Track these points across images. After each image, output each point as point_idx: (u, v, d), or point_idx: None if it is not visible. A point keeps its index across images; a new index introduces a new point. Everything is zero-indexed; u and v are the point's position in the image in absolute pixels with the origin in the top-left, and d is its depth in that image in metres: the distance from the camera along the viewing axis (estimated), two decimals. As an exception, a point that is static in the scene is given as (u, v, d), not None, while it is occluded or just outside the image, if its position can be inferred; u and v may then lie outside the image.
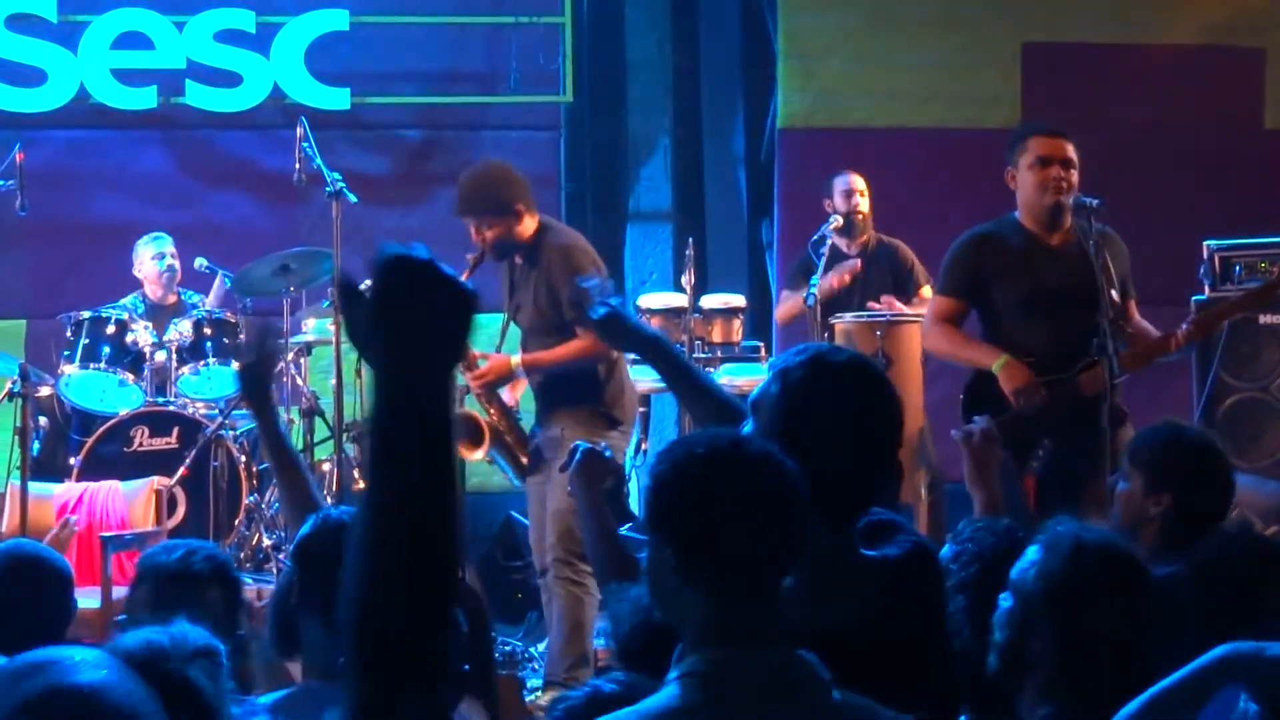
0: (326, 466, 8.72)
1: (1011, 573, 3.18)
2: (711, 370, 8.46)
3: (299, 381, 8.89)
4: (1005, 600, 3.17)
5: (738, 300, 9.15)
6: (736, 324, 9.04)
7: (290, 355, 8.80)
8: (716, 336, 8.91)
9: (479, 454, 7.07)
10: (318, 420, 8.97)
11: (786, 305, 8.90)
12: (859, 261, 8.61)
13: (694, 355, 8.56)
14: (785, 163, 10.47)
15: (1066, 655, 3.06)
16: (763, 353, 8.96)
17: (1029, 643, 3.10)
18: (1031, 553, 3.17)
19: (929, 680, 3.10)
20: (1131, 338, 6.49)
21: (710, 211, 10.84)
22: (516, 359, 7.05)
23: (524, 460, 7.12)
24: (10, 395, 8.08)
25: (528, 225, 7.02)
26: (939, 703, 3.11)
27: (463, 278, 2.06)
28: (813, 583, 2.78)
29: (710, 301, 9.03)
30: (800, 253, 8.91)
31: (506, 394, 7.23)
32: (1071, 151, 6.42)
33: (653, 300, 9.14)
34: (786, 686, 2.56)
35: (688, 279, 8.80)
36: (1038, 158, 6.40)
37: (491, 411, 7.12)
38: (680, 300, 8.90)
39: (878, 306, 8.35)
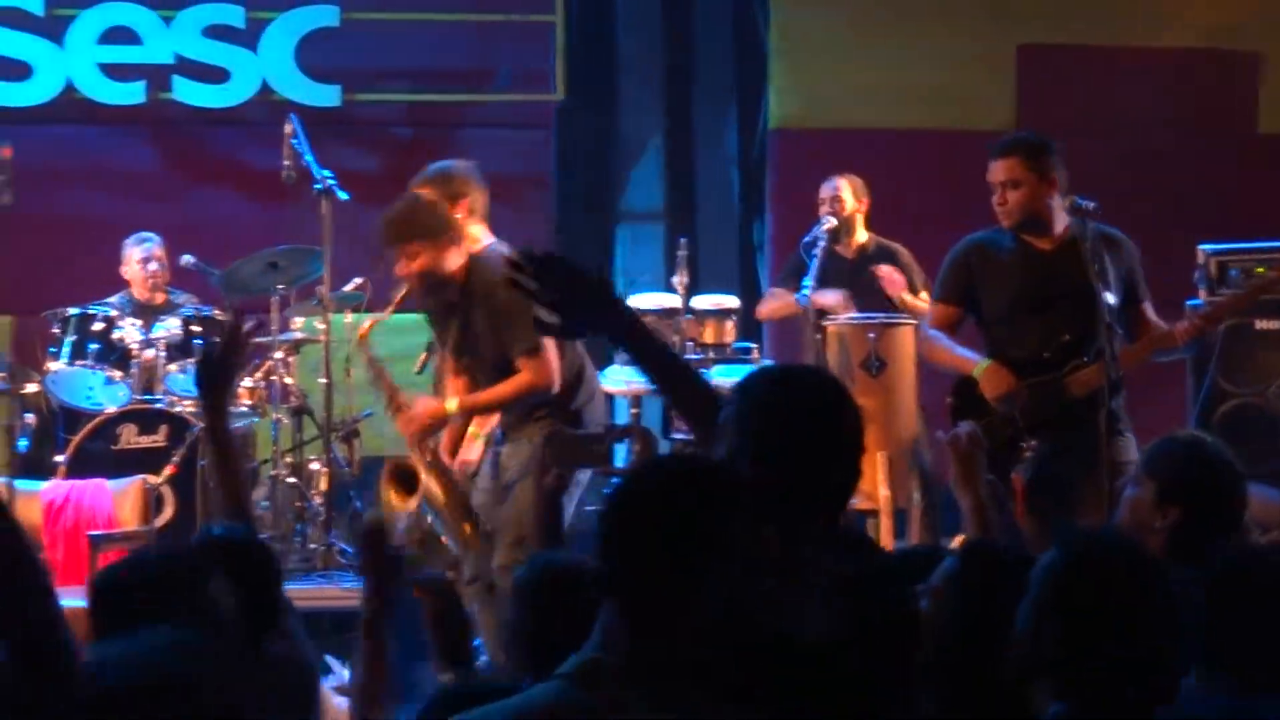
0: (315, 465, 8.67)
1: (1031, 572, 3.18)
2: (704, 371, 8.40)
3: (287, 380, 8.83)
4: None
5: (731, 301, 9.11)
6: (729, 325, 9.00)
7: (280, 353, 8.73)
8: (709, 338, 8.86)
9: (410, 504, 6.62)
10: (306, 419, 8.90)
11: (773, 303, 8.77)
12: (841, 296, 8.44)
13: (686, 356, 8.51)
14: (777, 163, 10.43)
15: (1076, 654, 3.04)
16: (755, 354, 8.92)
17: (1041, 642, 3.09)
18: (1049, 553, 3.17)
19: (894, 694, 3.10)
20: (1139, 336, 6.45)
21: (702, 211, 10.80)
22: (453, 403, 6.61)
23: (467, 531, 6.64)
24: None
25: (455, 259, 6.64)
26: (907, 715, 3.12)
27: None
28: (783, 594, 2.82)
29: (702, 302, 8.99)
30: (793, 253, 8.86)
31: (470, 447, 6.83)
32: (1006, 171, 6.35)
33: (644, 301, 9.09)
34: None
35: (680, 279, 8.76)
36: (989, 181, 6.43)
37: (431, 473, 6.65)
38: (672, 301, 8.86)
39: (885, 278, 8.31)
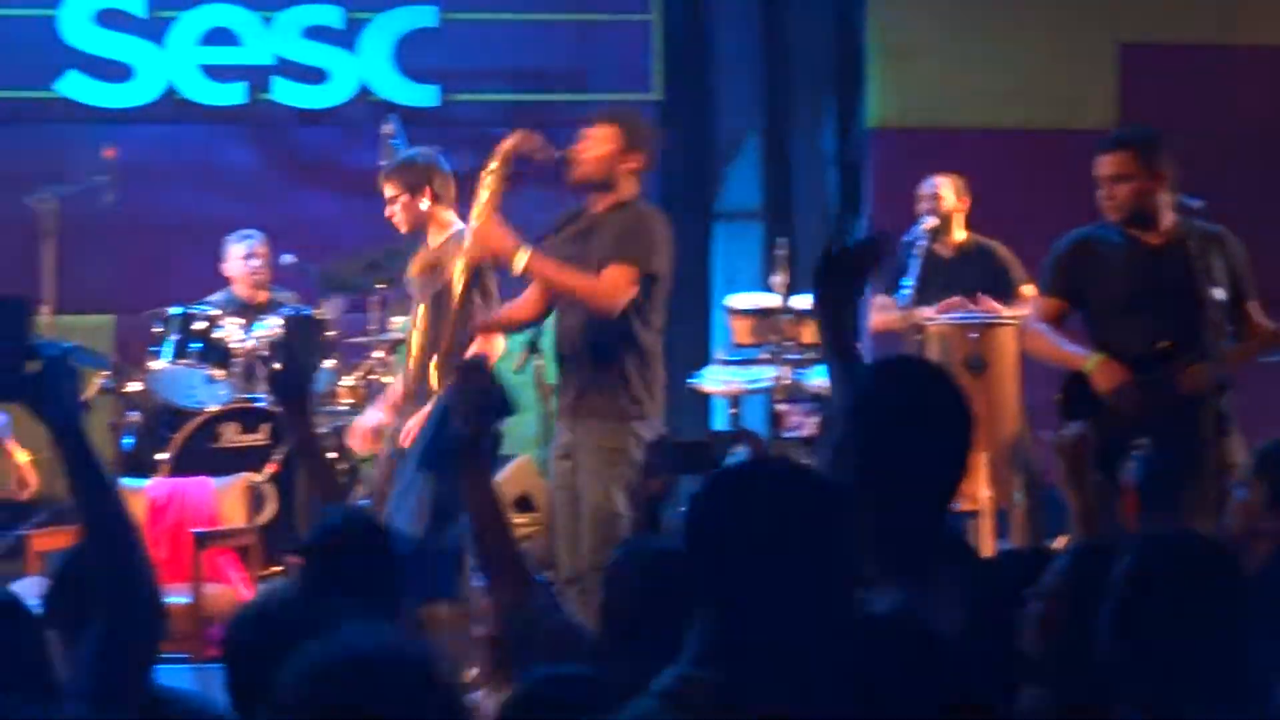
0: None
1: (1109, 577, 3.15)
2: (803, 371, 8.38)
3: (385, 379, 8.85)
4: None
5: (831, 301, 9.04)
6: (828, 325, 8.93)
7: (379, 353, 8.77)
8: (808, 338, 8.81)
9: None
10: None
11: (881, 317, 8.68)
12: (957, 301, 8.38)
13: (784, 357, 8.48)
14: (876, 163, 10.39)
15: (1146, 653, 3.00)
16: (854, 354, 8.86)
17: (1117, 641, 3.05)
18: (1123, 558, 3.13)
19: (1002, 696, 3.07)
20: (1247, 335, 6.39)
21: (799, 211, 10.76)
22: (523, 257, 6.34)
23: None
24: (102, 391, 8.10)
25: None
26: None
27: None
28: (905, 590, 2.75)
29: (801, 302, 8.94)
30: (892, 254, 8.81)
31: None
32: (1115, 165, 6.32)
33: (741, 300, 9.06)
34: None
35: (778, 279, 8.73)
36: (1094, 177, 6.39)
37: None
38: (770, 301, 8.83)
39: (974, 308, 8.24)
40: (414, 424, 6.68)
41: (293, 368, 4.54)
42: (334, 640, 2.06)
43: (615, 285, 6.34)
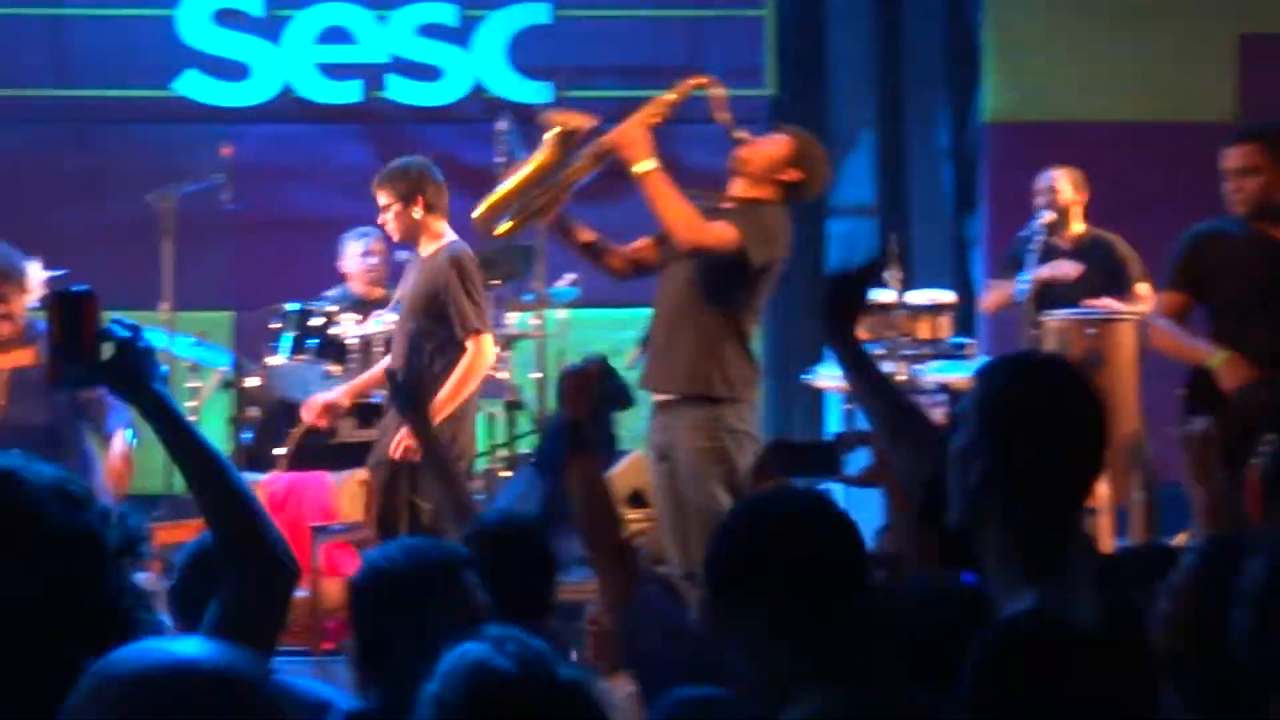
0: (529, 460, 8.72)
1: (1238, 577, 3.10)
2: (919, 367, 8.33)
3: (501, 375, 8.88)
4: None
5: (946, 296, 8.98)
6: (944, 320, 8.87)
7: (497, 348, 8.79)
8: (924, 333, 8.74)
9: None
10: (519, 414, 8.96)
11: (994, 294, 8.75)
12: (1081, 267, 8.37)
13: (901, 352, 8.43)
14: (991, 157, 10.32)
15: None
16: (971, 349, 8.80)
17: (1254, 644, 3.00)
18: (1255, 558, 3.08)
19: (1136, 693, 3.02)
20: None
21: (913, 206, 10.70)
22: (655, 164, 6.27)
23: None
24: (222, 386, 8.16)
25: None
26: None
27: None
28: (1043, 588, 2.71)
29: (917, 297, 8.88)
30: (1008, 247, 8.75)
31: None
32: (1243, 157, 6.27)
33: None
34: None
35: (894, 274, 8.68)
36: (1221, 169, 6.33)
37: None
38: (886, 296, 8.78)
39: (1094, 304, 8.16)
40: (404, 435, 6.73)
41: (413, 375, 4.58)
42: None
43: (711, 229, 6.28)
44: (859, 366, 3.64)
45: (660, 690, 4.02)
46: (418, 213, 7.13)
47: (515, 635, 2.26)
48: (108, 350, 2.61)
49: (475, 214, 6.54)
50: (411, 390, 4.64)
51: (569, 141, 6.45)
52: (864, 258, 10.48)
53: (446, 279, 7.01)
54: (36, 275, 7.11)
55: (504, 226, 6.51)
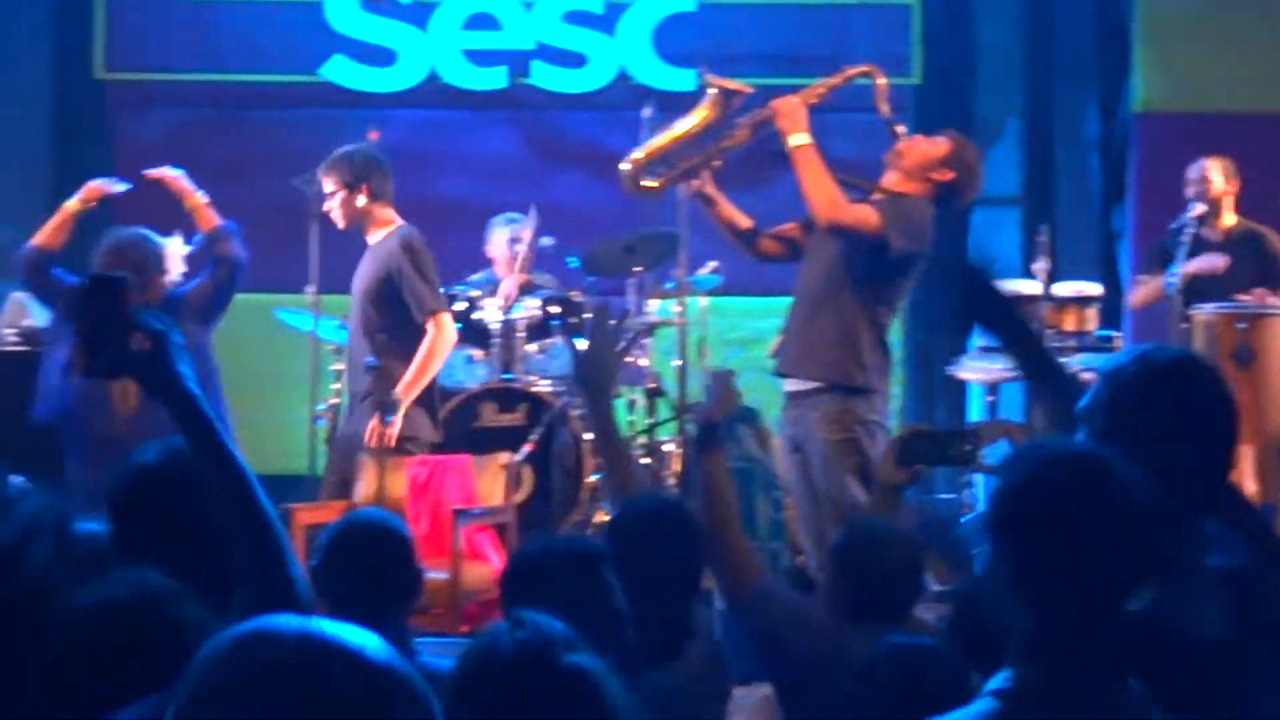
0: (669, 446, 8.71)
1: None
2: (1066, 359, 8.24)
3: (642, 362, 8.90)
4: None
5: (1093, 288, 8.89)
6: (1090, 313, 8.78)
7: (638, 336, 8.80)
8: (1070, 325, 8.67)
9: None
10: (660, 401, 8.96)
11: (1143, 289, 8.63)
12: (1229, 260, 8.25)
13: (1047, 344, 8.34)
14: (1141, 148, 10.18)
15: None
16: (1117, 342, 8.70)
17: None
18: None
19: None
20: None
21: (1060, 197, 10.58)
22: (809, 139, 6.42)
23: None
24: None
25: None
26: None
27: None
28: (1159, 590, 2.69)
29: (1063, 289, 8.79)
30: (1157, 240, 8.64)
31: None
32: None
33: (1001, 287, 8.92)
34: (1103, 716, 2.44)
35: (1040, 266, 8.59)
36: None
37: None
38: (1031, 287, 8.70)
39: (1245, 298, 8.04)
40: (374, 424, 6.89)
41: (596, 359, 4.61)
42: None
43: (853, 210, 6.31)
44: (1011, 341, 3.67)
45: (789, 680, 4.04)
46: (361, 200, 7.19)
47: (536, 619, 2.24)
48: (144, 343, 2.55)
49: (624, 164, 6.56)
50: (595, 372, 4.68)
51: (728, 105, 6.49)
52: (1000, 252, 10.46)
53: (399, 263, 7.08)
54: (178, 250, 7.20)
55: (651, 182, 6.54)
